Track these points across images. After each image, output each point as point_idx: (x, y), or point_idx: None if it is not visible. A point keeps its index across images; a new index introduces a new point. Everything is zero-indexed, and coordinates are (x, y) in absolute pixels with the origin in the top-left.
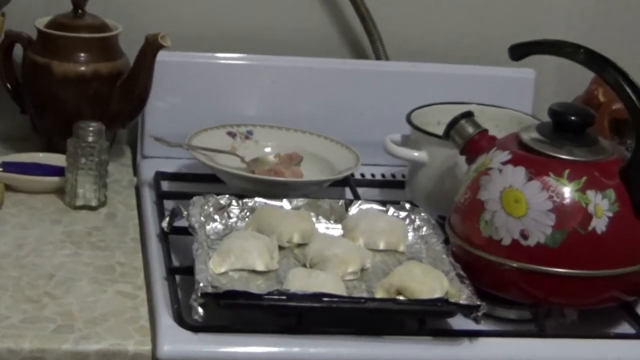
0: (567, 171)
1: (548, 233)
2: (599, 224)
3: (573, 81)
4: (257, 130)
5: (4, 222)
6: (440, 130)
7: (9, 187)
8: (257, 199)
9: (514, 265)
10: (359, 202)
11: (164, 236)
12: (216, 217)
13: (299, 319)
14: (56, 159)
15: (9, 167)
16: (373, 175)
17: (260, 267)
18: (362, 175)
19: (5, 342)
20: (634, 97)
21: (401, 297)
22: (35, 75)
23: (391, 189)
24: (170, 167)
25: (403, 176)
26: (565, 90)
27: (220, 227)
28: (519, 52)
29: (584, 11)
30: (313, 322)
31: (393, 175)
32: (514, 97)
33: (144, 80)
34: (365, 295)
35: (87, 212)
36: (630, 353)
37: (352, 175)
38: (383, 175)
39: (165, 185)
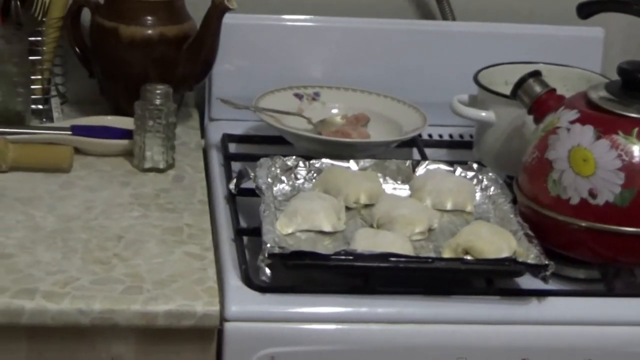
0: (636, 129)
1: (617, 192)
2: None
3: None
4: (324, 92)
5: (73, 185)
6: (507, 90)
7: (78, 151)
8: (324, 160)
9: (583, 224)
10: (426, 162)
11: (231, 198)
12: (283, 178)
13: (366, 279)
14: (124, 122)
15: (78, 130)
16: (440, 136)
17: (327, 228)
18: (430, 135)
19: (75, 303)
20: None
21: (469, 257)
22: (102, 39)
23: (459, 149)
24: (237, 129)
25: (471, 136)
26: (634, 48)
27: (287, 188)
28: (587, 10)
29: None
30: (380, 282)
31: (461, 136)
32: (582, 56)
33: (210, 42)
34: (432, 255)
35: (155, 175)
36: None
37: (420, 135)
38: (451, 136)
39: (232, 147)
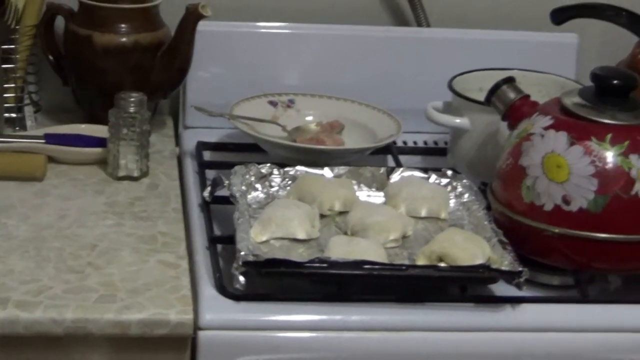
0: (609, 135)
1: (590, 198)
2: None
3: (617, 45)
4: (299, 99)
5: (47, 194)
6: (482, 97)
7: (51, 159)
8: (298, 167)
9: (556, 230)
10: (401, 169)
11: (205, 206)
12: (257, 186)
13: (340, 286)
14: (98, 130)
15: (52, 138)
16: (415, 143)
17: (301, 236)
18: (404, 142)
19: (48, 312)
20: None
21: (442, 264)
22: (76, 47)
23: (433, 156)
24: (212, 136)
25: (445, 143)
26: (608, 54)
27: (261, 196)
28: (561, 16)
29: None
30: (354, 290)
31: (435, 143)
32: (557, 62)
33: (185, 50)
34: (406, 262)
35: (129, 183)
36: None
37: (394, 142)
38: (425, 143)
39: (207, 155)
